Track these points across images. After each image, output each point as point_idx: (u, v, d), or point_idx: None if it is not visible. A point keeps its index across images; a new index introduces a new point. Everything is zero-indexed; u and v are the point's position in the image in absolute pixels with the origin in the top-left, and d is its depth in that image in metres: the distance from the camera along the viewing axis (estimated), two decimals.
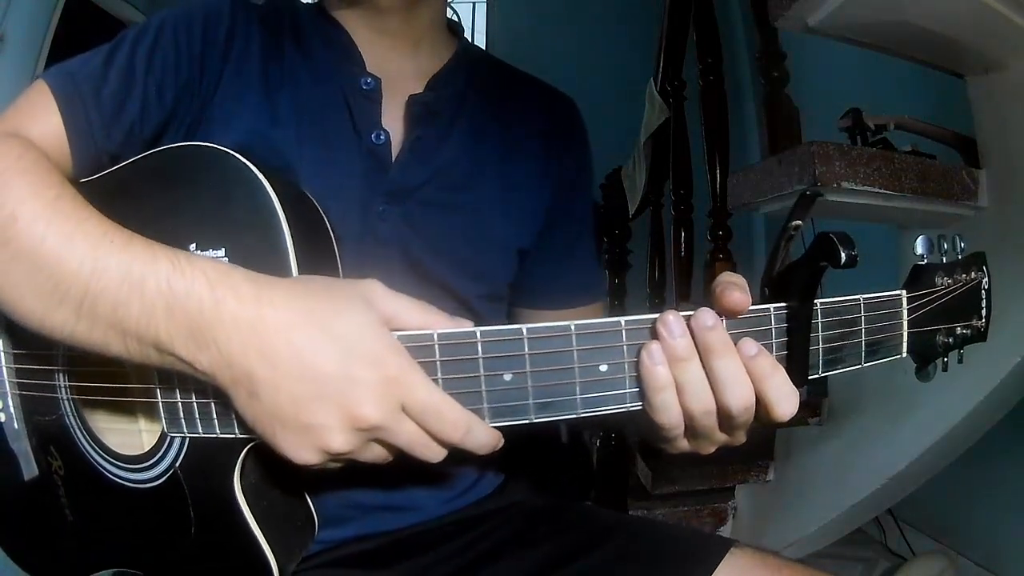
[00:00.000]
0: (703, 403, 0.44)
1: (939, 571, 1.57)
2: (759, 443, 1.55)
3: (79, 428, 0.57)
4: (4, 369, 0.59)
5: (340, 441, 0.42)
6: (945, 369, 0.52)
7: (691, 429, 0.46)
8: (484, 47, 3.87)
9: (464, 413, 0.44)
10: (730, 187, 1.40)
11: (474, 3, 4.03)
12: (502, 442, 0.46)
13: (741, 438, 0.48)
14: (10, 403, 0.59)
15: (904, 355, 0.50)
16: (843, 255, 0.41)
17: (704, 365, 0.44)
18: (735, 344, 0.44)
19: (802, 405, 1.49)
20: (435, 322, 0.46)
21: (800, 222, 0.45)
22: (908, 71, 1.39)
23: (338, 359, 0.42)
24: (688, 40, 1.85)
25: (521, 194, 0.69)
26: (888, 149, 1.20)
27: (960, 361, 0.53)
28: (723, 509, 1.60)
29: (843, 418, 1.41)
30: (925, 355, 0.51)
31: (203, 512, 0.52)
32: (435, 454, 0.45)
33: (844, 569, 1.70)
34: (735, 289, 0.44)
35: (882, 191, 1.11)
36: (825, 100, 1.61)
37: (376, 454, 0.45)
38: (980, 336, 0.53)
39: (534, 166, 0.70)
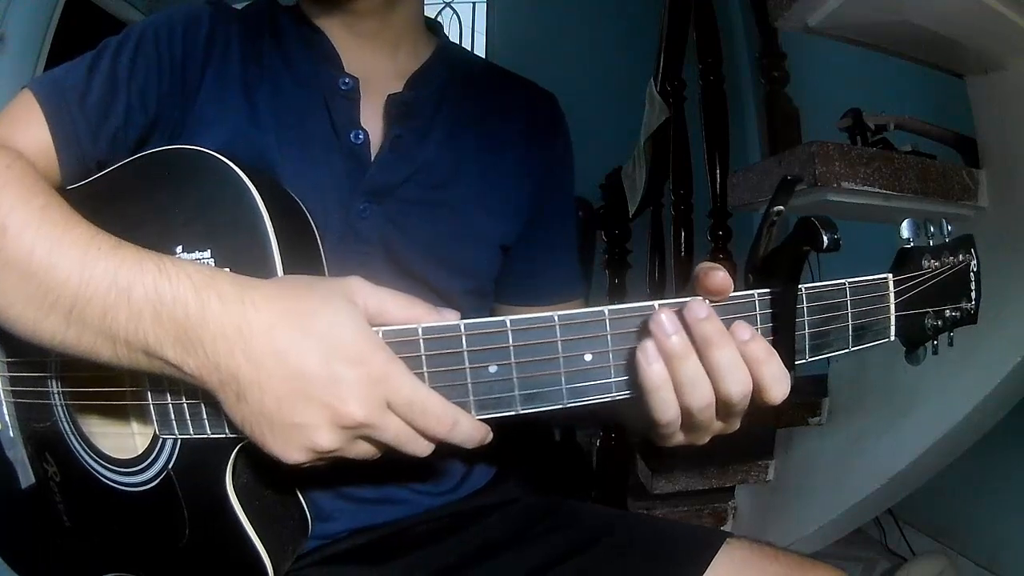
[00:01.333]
0: (703, 398, 0.44)
1: (939, 571, 1.57)
2: (759, 443, 1.55)
3: (73, 433, 0.57)
4: None
5: (327, 439, 0.43)
6: (935, 352, 0.52)
7: (688, 424, 0.46)
8: (484, 47, 3.87)
9: (450, 407, 0.44)
10: (730, 187, 1.40)
11: (474, 3, 4.03)
12: (490, 436, 0.46)
13: (735, 425, 0.48)
14: (4, 411, 0.60)
15: (892, 339, 0.50)
16: (825, 238, 0.41)
17: (701, 357, 0.43)
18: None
19: (802, 405, 1.49)
20: (420, 315, 0.46)
21: (782, 207, 0.45)
22: (908, 71, 1.38)
23: (321, 358, 0.42)
24: (688, 40, 1.85)
25: (502, 190, 0.69)
26: (888, 149, 1.20)
27: (951, 344, 0.52)
28: (723, 509, 1.60)
29: (843, 418, 1.41)
30: (914, 338, 0.51)
31: (197, 513, 0.52)
32: (422, 449, 0.45)
33: (844, 569, 1.70)
34: (717, 270, 0.44)
35: (882, 191, 1.11)
36: (825, 100, 1.61)
37: (363, 451, 0.45)
38: (970, 318, 0.53)
39: (515, 162, 0.71)
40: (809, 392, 1.45)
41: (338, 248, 0.60)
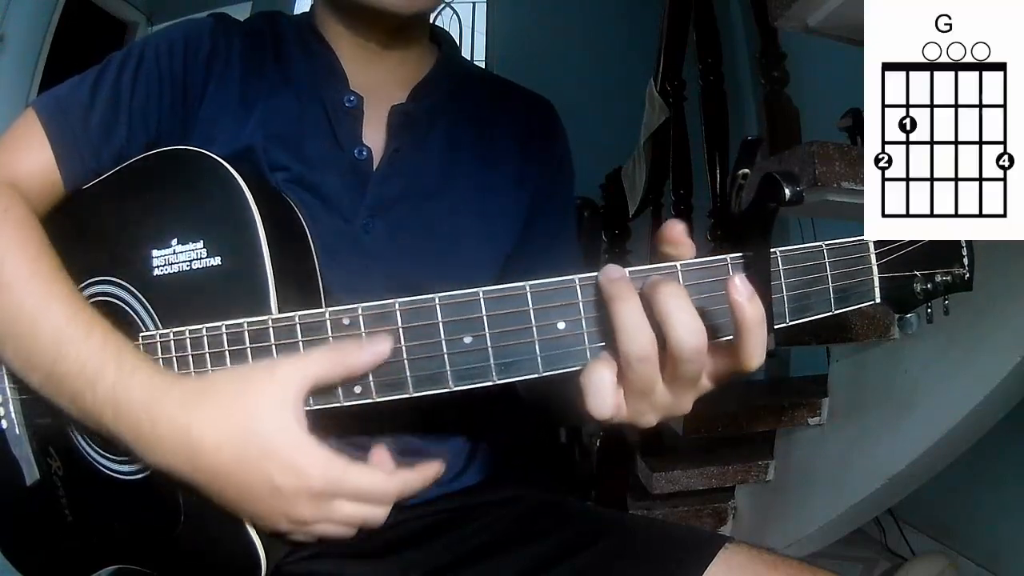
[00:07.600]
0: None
1: (939, 571, 1.57)
2: (759, 443, 1.55)
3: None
4: (5, 375, 0.60)
5: (288, 527, 0.48)
6: (930, 321, 0.51)
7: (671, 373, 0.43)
8: (484, 47, 3.88)
9: (392, 480, 0.49)
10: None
11: (474, 3, 4.04)
12: (440, 470, 0.52)
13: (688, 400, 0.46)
14: (11, 409, 0.60)
15: (878, 301, 0.49)
16: (788, 191, 0.41)
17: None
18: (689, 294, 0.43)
19: (802, 405, 1.47)
20: (349, 360, 0.46)
21: (747, 170, 0.45)
22: None
23: (263, 477, 0.46)
24: (688, 40, 1.85)
25: (498, 201, 0.69)
26: None
27: (946, 313, 0.51)
28: (723, 509, 1.60)
29: (843, 418, 1.41)
30: (903, 302, 0.50)
31: (191, 500, 0.52)
32: (379, 518, 0.50)
33: (844, 569, 1.70)
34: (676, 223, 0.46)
35: None
36: (825, 100, 1.61)
37: (333, 529, 0.50)
38: (965, 284, 0.51)
39: (510, 171, 0.71)
40: (809, 392, 1.45)
41: (340, 263, 0.60)
